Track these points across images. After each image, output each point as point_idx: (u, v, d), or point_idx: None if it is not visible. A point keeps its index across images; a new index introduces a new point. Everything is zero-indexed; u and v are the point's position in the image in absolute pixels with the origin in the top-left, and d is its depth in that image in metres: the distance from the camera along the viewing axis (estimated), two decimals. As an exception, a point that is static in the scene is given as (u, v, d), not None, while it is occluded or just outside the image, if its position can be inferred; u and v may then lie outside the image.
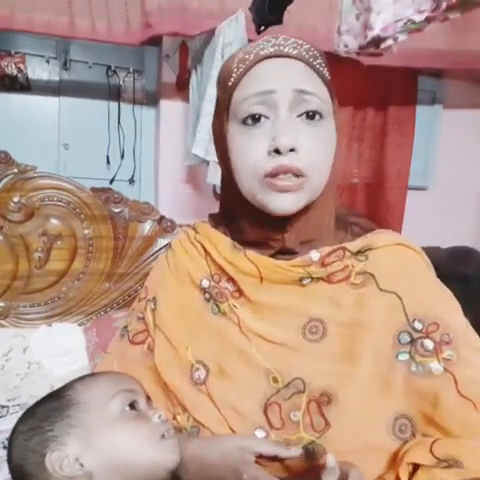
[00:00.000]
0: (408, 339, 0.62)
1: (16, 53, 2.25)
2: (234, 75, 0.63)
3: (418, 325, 0.62)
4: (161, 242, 1.60)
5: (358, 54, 1.39)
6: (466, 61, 2.18)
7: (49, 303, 1.53)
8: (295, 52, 0.61)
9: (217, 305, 0.69)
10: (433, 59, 2.16)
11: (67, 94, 2.35)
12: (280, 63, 0.61)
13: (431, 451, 0.57)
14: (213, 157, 1.72)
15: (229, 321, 0.67)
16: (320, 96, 0.61)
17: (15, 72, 2.27)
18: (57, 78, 2.34)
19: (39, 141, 2.30)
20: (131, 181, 2.49)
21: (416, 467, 0.57)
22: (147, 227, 1.60)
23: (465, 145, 2.79)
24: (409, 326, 0.62)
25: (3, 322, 1.49)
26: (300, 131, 0.59)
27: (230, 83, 0.63)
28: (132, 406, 0.63)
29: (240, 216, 0.69)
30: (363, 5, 1.26)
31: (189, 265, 0.73)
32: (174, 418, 0.68)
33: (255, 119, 0.60)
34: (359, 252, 0.66)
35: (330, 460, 0.52)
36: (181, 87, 2.23)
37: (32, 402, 0.67)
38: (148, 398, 0.67)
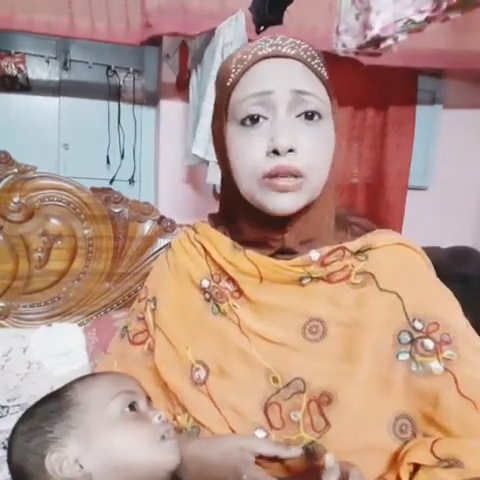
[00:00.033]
0: (408, 339, 0.62)
1: (16, 53, 2.25)
2: (232, 76, 0.63)
3: (418, 325, 0.62)
4: (161, 242, 1.60)
5: (357, 54, 1.39)
6: (466, 61, 2.18)
7: (49, 303, 1.53)
8: (293, 52, 0.61)
9: (217, 305, 0.69)
10: (433, 59, 2.16)
11: (67, 94, 2.35)
12: (278, 63, 0.61)
13: (432, 451, 0.57)
14: (213, 157, 1.72)
15: (229, 321, 0.67)
16: (318, 96, 0.61)
17: (15, 72, 2.27)
18: (57, 78, 2.34)
19: (39, 141, 2.30)
20: (131, 181, 2.49)
21: (417, 467, 0.57)
22: (147, 227, 1.60)
23: (465, 145, 2.79)
24: (409, 326, 0.62)
25: (3, 322, 1.49)
26: (299, 131, 0.59)
27: (228, 84, 0.63)
28: (132, 407, 0.63)
29: (239, 216, 0.69)
30: (362, 5, 1.26)
31: (189, 265, 0.73)
32: (174, 418, 0.68)
33: (253, 120, 0.60)
34: (359, 252, 0.66)
35: (329, 460, 0.52)
36: (181, 87, 2.23)
37: (32, 402, 0.67)
38: (148, 398, 0.67)
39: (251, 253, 0.66)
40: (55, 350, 1.38)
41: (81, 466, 0.58)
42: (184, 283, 0.72)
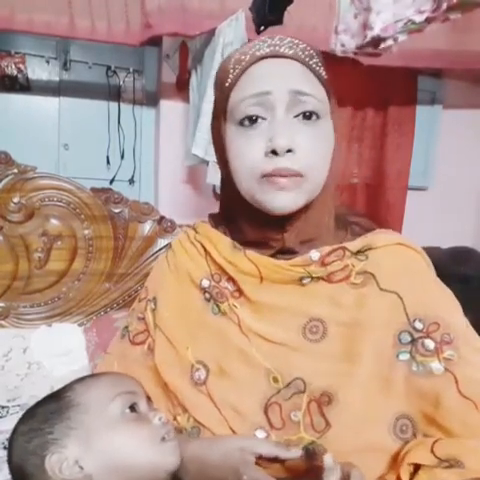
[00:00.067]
0: (409, 339, 0.62)
1: (16, 53, 2.25)
2: (231, 76, 0.63)
3: (419, 325, 0.62)
4: (161, 242, 1.60)
5: (356, 54, 1.39)
6: (466, 61, 2.18)
7: (49, 303, 1.53)
8: (291, 52, 0.61)
9: (217, 305, 0.69)
10: (433, 59, 2.16)
11: (67, 94, 2.34)
12: (276, 63, 0.61)
13: (432, 451, 0.57)
14: (213, 157, 1.72)
15: (229, 321, 0.67)
16: (317, 96, 0.61)
17: (15, 72, 2.26)
18: (57, 78, 2.33)
19: (39, 141, 2.30)
20: (131, 181, 2.49)
21: (417, 467, 0.57)
22: (147, 227, 1.60)
23: (465, 145, 2.79)
24: (410, 326, 0.62)
25: (3, 322, 1.49)
26: (297, 132, 0.59)
27: (227, 84, 0.63)
28: (132, 408, 0.63)
29: (240, 216, 0.69)
30: (362, 5, 1.26)
31: (189, 265, 0.73)
32: (174, 419, 0.68)
33: (252, 120, 0.61)
34: (359, 252, 0.66)
35: (328, 460, 0.52)
36: (181, 87, 2.23)
37: (32, 402, 0.67)
38: (149, 399, 0.67)
39: (251, 253, 0.66)
40: (55, 350, 1.38)
41: (81, 467, 0.58)
42: (184, 283, 0.72)
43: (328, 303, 0.64)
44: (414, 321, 0.62)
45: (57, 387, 0.67)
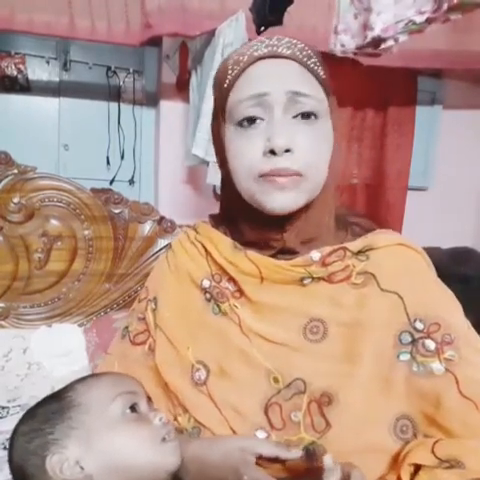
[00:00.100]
0: (409, 339, 0.62)
1: (16, 54, 2.25)
2: (229, 77, 0.63)
3: (419, 325, 0.62)
4: (161, 243, 1.60)
5: (355, 54, 1.39)
6: (466, 61, 2.18)
7: (49, 304, 1.53)
8: (289, 52, 0.61)
9: (218, 305, 0.69)
10: (433, 59, 2.16)
11: (67, 95, 2.34)
12: (274, 64, 0.61)
13: (433, 452, 0.57)
14: (213, 158, 1.72)
15: (230, 321, 0.67)
16: (315, 97, 0.61)
17: (15, 73, 2.26)
18: (57, 79, 2.33)
19: (39, 142, 2.30)
20: (131, 182, 2.48)
21: (418, 468, 0.57)
22: (147, 228, 1.60)
23: (465, 145, 2.79)
24: (410, 326, 0.62)
25: (3, 323, 1.49)
26: (295, 132, 0.59)
27: (225, 85, 0.63)
28: (133, 408, 0.63)
29: (240, 217, 0.69)
30: (362, 5, 1.26)
31: (190, 265, 0.73)
32: (175, 419, 0.68)
33: (251, 121, 0.61)
34: (360, 252, 0.66)
35: (328, 461, 0.52)
36: (181, 88, 2.23)
37: (32, 403, 0.67)
38: (149, 399, 0.67)
39: (252, 253, 0.66)
40: (55, 351, 1.38)
41: (82, 467, 0.58)
42: (185, 283, 0.72)
43: (329, 303, 0.64)
44: (415, 321, 0.62)
45: (57, 388, 0.67)
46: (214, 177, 1.87)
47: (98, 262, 1.55)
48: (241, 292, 0.67)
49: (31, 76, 2.29)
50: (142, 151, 2.49)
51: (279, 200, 0.60)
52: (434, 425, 0.60)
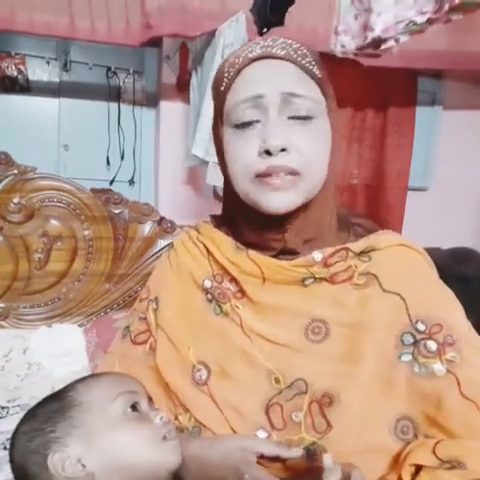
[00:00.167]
0: (411, 340, 0.62)
1: (16, 54, 2.24)
2: (225, 80, 0.63)
3: (421, 326, 0.62)
4: (161, 243, 1.60)
5: (356, 55, 1.39)
6: (466, 62, 2.18)
7: (49, 304, 1.53)
8: (283, 53, 0.61)
9: (219, 305, 0.69)
10: (433, 60, 2.16)
11: (67, 95, 2.34)
12: (268, 65, 0.61)
13: (434, 452, 0.57)
14: (213, 158, 1.72)
15: (231, 321, 0.67)
16: (310, 97, 0.61)
17: (15, 73, 2.26)
18: (57, 79, 2.33)
19: (39, 142, 2.29)
20: (131, 182, 2.48)
21: (419, 468, 0.57)
22: (147, 228, 1.60)
23: (465, 146, 2.79)
24: (412, 327, 0.62)
25: (3, 323, 1.49)
26: (291, 132, 0.59)
27: (222, 88, 0.64)
28: (134, 407, 0.63)
29: (240, 218, 0.69)
30: (362, 6, 1.26)
31: (191, 265, 0.73)
32: (176, 418, 0.68)
33: (247, 123, 0.61)
34: (362, 253, 0.65)
35: (327, 461, 0.52)
36: (181, 88, 2.23)
37: (32, 403, 0.67)
38: (150, 399, 0.67)
39: (254, 254, 0.66)
40: (55, 351, 1.39)
41: (83, 465, 0.58)
42: (186, 283, 0.72)
43: (330, 304, 0.64)
44: (416, 322, 0.62)
45: (57, 388, 0.67)
46: (214, 177, 1.87)
47: (98, 262, 1.56)
48: (243, 292, 0.67)
49: (31, 76, 2.29)
50: (142, 151, 2.49)
51: (275, 200, 0.60)
52: (435, 426, 0.60)
